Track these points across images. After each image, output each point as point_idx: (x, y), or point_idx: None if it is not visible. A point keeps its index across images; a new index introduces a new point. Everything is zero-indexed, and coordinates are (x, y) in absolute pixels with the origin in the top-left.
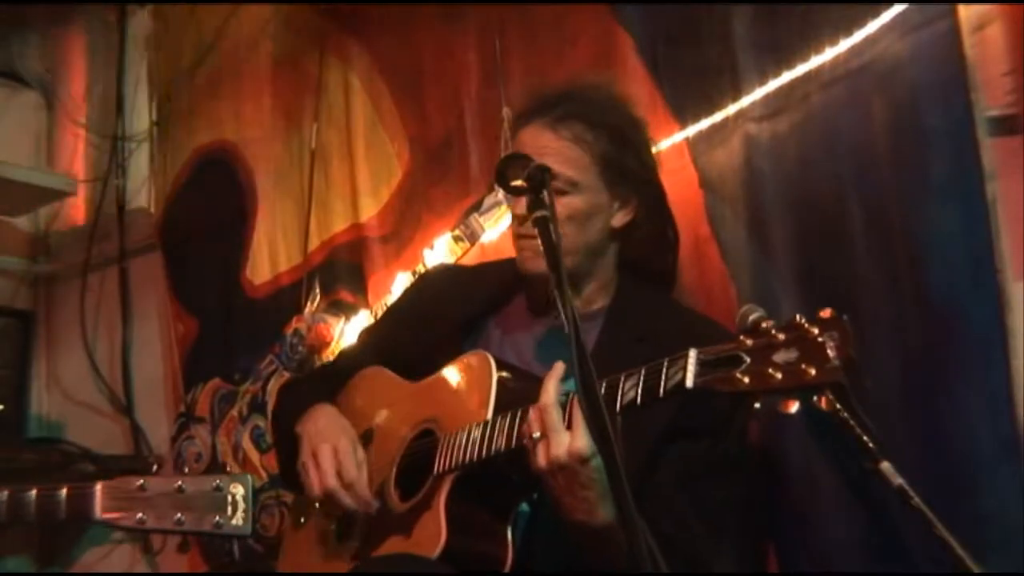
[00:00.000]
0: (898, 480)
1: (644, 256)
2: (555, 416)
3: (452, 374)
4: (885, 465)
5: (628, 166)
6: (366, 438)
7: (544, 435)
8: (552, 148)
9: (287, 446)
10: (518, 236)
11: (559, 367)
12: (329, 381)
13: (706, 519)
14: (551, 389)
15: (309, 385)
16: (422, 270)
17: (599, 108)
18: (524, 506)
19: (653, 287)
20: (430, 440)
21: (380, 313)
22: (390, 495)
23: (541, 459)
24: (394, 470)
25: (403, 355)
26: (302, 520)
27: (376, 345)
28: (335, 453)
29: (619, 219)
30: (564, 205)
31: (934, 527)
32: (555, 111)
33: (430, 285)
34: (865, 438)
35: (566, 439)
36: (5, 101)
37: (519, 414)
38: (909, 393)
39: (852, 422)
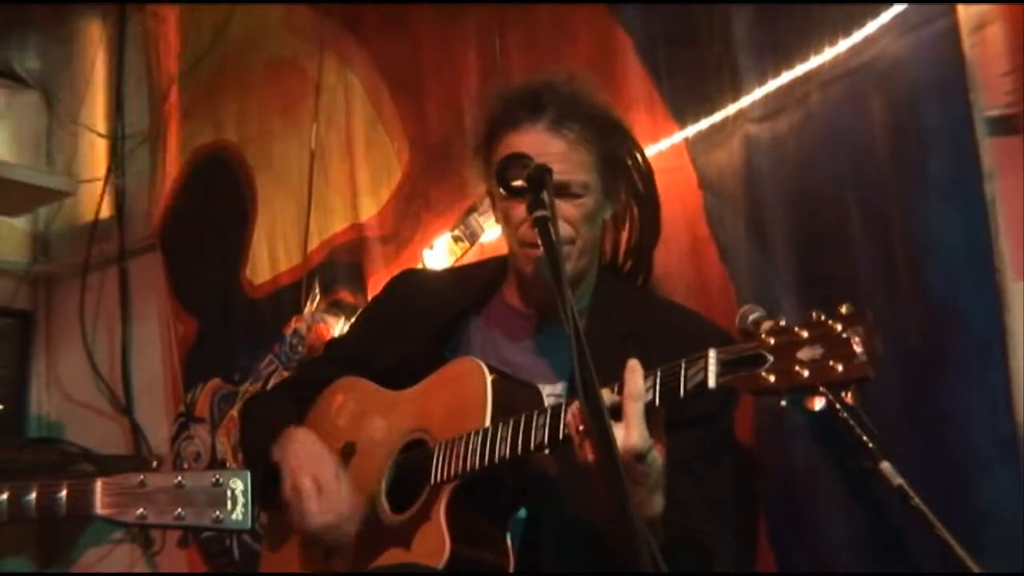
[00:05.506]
0: (898, 480)
1: (628, 249)
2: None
3: (441, 382)
4: (885, 465)
5: (621, 158)
6: (347, 451)
7: (592, 433)
8: (561, 153)
9: (259, 469)
10: (531, 244)
11: (636, 365)
12: (298, 395)
13: (708, 507)
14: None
15: (277, 402)
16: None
17: (587, 103)
18: (521, 512)
19: (631, 282)
20: (421, 450)
21: None
22: (382, 508)
23: (590, 453)
24: (384, 483)
25: (378, 363)
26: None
27: (347, 355)
28: (319, 490)
29: (608, 212)
30: (579, 207)
31: (934, 527)
32: (547, 113)
33: (402, 291)
34: (865, 438)
35: (620, 435)
36: (5, 101)
37: (523, 421)
38: (909, 393)
39: (852, 422)
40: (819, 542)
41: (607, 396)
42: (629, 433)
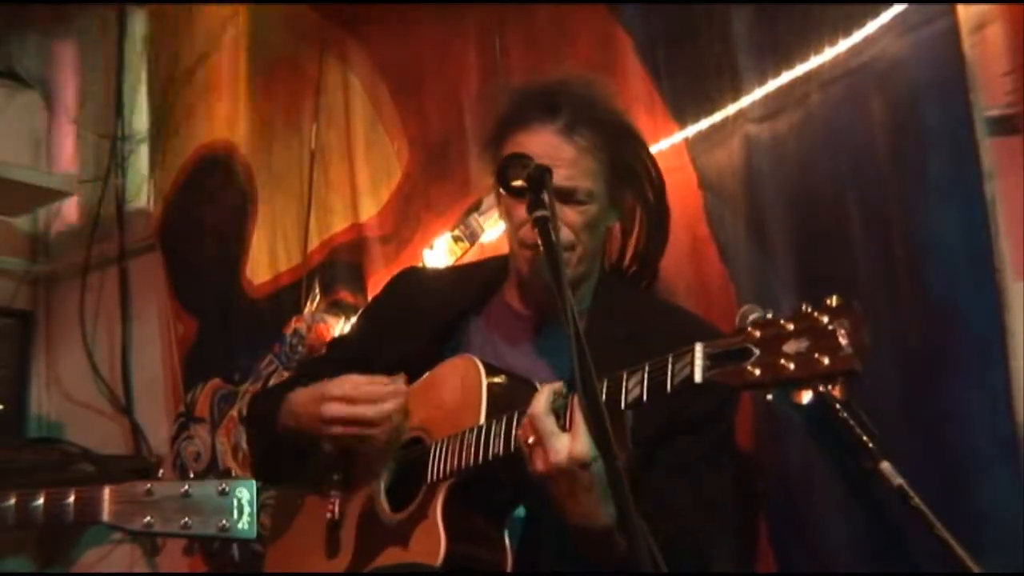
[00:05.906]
0: (898, 480)
1: (635, 255)
2: (547, 423)
3: (438, 379)
4: (885, 465)
5: (632, 167)
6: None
7: (540, 443)
8: (570, 159)
9: (267, 443)
10: (530, 245)
11: (556, 384)
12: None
13: (707, 507)
14: (541, 399)
15: (281, 391)
16: None
17: (601, 109)
18: (520, 510)
19: (634, 285)
20: (419, 448)
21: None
22: (381, 506)
23: (540, 464)
24: (383, 481)
25: (378, 363)
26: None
27: (348, 355)
28: (351, 401)
29: (612, 219)
30: (582, 213)
31: (934, 527)
32: (561, 116)
33: (402, 290)
34: (865, 438)
35: (565, 443)
36: (5, 101)
37: (515, 417)
38: (908, 393)
39: (852, 422)
40: (819, 542)
41: None
42: (575, 441)
